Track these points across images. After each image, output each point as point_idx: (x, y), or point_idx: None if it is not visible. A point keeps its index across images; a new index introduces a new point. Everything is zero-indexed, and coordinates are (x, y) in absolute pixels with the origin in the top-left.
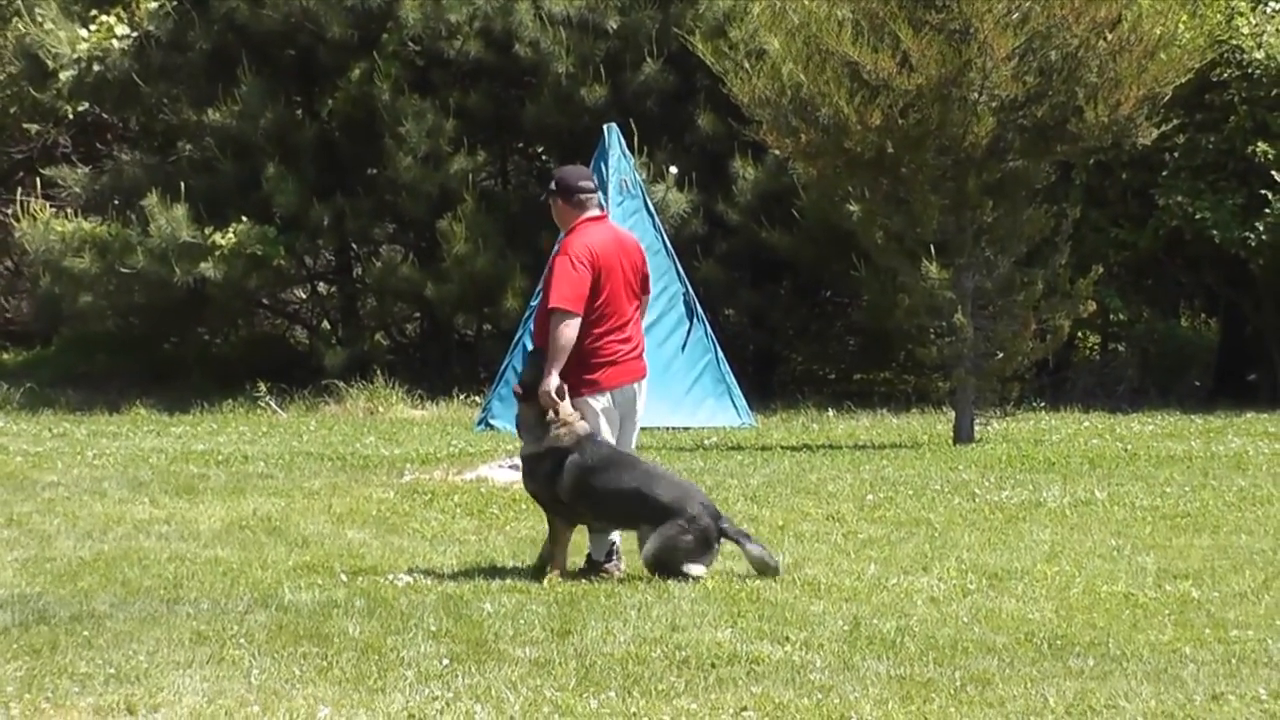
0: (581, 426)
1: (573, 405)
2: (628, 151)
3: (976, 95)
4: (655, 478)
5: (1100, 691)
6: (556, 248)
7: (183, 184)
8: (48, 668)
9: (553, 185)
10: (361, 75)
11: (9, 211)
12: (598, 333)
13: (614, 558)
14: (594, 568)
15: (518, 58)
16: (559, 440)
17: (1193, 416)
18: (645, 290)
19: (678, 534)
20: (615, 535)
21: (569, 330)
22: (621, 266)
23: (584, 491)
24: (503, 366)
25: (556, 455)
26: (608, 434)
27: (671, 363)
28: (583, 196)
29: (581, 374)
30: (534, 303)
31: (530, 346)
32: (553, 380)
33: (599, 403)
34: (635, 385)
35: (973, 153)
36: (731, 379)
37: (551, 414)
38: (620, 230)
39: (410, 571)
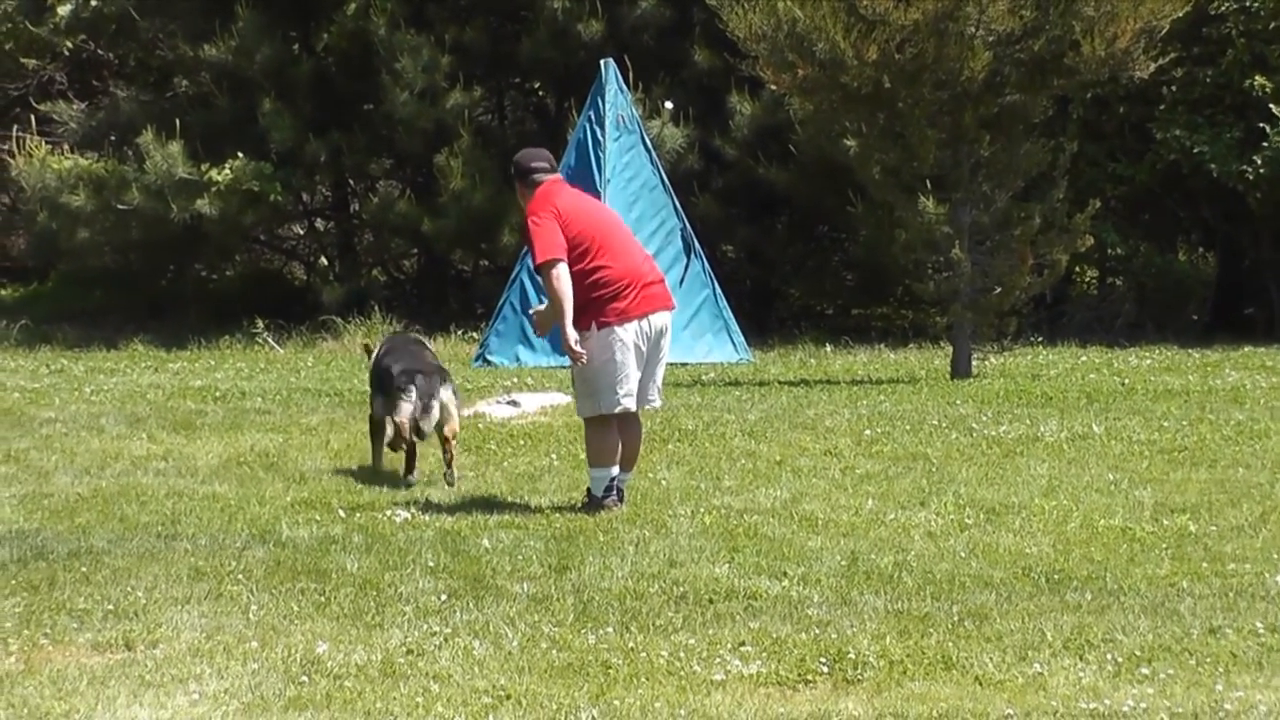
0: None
1: (600, 337)
2: (624, 86)
3: (973, 29)
4: (412, 358)
5: (1097, 625)
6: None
7: (178, 120)
8: (46, 604)
9: (512, 171)
10: (357, 10)
11: (5, 148)
12: (600, 264)
13: (613, 494)
14: (594, 503)
15: None
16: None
17: (1190, 351)
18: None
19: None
20: (615, 470)
21: (560, 280)
22: (588, 207)
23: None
24: (500, 302)
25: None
26: (633, 367)
27: None
28: (536, 176)
29: (607, 305)
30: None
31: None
32: (570, 334)
33: (628, 333)
34: (665, 317)
35: (969, 87)
36: (729, 314)
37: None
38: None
39: (408, 507)
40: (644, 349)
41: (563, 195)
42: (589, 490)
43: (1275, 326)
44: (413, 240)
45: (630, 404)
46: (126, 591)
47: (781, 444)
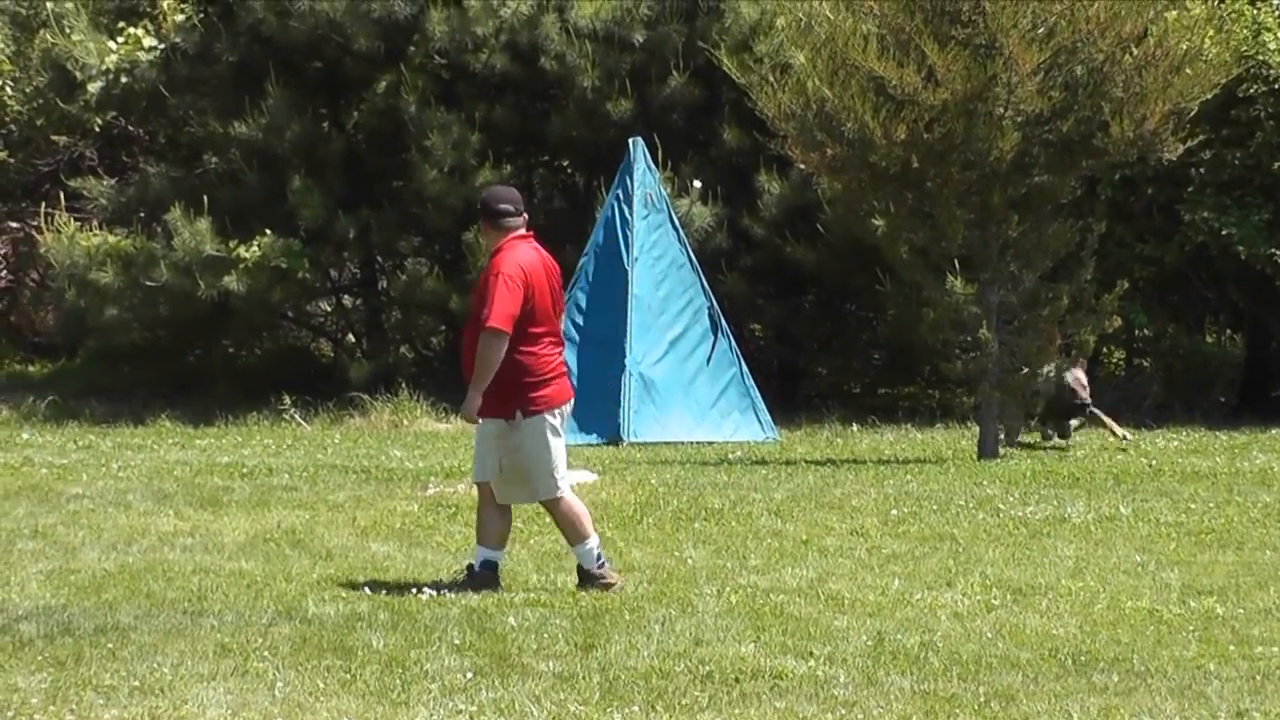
0: None
1: (533, 424)
2: (653, 165)
3: (1002, 110)
4: None
5: (1124, 708)
6: (485, 265)
7: (207, 197)
8: (72, 680)
9: (479, 207)
10: (388, 88)
11: (34, 224)
12: (538, 350)
13: (604, 562)
14: (588, 579)
15: (543, 71)
16: None
17: (1217, 432)
18: (560, 311)
19: None
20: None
21: (499, 349)
22: (549, 284)
23: None
24: None
25: None
26: (560, 456)
27: (696, 376)
28: (505, 220)
29: (532, 391)
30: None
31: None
32: (475, 401)
33: (556, 419)
34: (569, 406)
35: (998, 167)
36: (756, 393)
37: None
38: (542, 250)
39: (434, 585)
40: (561, 434)
41: (534, 267)
42: (579, 567)
43: None
44: (441, 317)
45: (566, 487)
46: (153, 668)
47: (808, 523)
